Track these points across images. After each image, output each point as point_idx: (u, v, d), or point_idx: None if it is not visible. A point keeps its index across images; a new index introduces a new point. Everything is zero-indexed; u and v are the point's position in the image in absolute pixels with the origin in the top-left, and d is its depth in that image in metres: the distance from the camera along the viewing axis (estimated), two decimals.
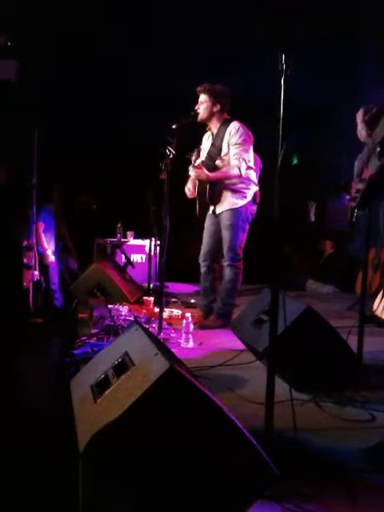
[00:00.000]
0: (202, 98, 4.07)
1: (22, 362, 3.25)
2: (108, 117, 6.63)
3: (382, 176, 2.58)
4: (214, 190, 4.05)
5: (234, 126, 4.01)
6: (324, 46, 5.50)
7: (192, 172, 4.04)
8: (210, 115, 4.09)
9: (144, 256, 6.40)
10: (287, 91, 1.91)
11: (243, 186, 4.04)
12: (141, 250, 6.48)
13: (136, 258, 6.43)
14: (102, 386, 1.71)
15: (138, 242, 6.54)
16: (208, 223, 4.23)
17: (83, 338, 3.45)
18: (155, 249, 5.60)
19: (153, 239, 5.61)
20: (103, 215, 6.55)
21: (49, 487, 1.79)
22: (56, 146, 6.11)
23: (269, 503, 1.60)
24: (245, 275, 4.19)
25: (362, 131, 4.15)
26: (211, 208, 4.16)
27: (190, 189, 4.24)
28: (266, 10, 5.05)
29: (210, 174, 3.99)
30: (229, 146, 4.01)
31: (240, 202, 4.03)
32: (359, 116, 4.24)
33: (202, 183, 4.07)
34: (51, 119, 5.99)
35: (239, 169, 3.94)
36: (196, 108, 4.09)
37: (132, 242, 6.60)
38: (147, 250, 5.97)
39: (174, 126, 4.30)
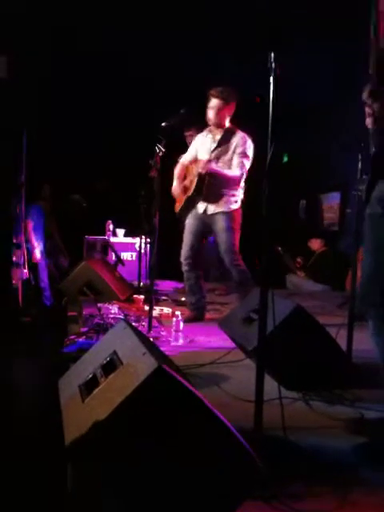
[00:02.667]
0: (217, 102, 4.06)
1: (11, 361, 3.23)
2: (100, 115, 6.60)
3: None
4: (210, 189, 4.08)
5: (241, 136, 4.08)
6: (317, 45, 5.51)
7: (200, 166, 4.03)
8: (222, 122, 4.12)
9: (134, 254, 6.37)
10: (276, 90, 1.90)
11: (237, 191, 4.13)
12: (131, 248, 6.46)
13: (126, 255, 6.41)
14: (90, 385, 1.70)
15: (129, 239, 6.52)
16: (193, 221, 4.24)
17: (72, 337, 3.43)
18: (145, 247, 5.58)
19: (143, 237, 5.60)
20: (94, 213, 6.52)
21: (37, 487, 1.77)
22: (47, 143, 6.08)
23: (258, 503, 1.59)
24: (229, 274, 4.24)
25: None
26: (201, 207, 4.17)
27: (175, 188, 4.27)
28: (258, 8, 5.04)
29: (219, 170, 4.02)
30: (234, 154, 4.07)
31: (234, 206, 4.11)
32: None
33: (201, 181, 4.08)
34: (41, 117, 5.96)
35: (240, 176, 4.06)
36: (209, 114, 4.09)
37: (122, 239, 6.57)
38: (137, 248, 5.96)
39: (164, 124, 4.30)
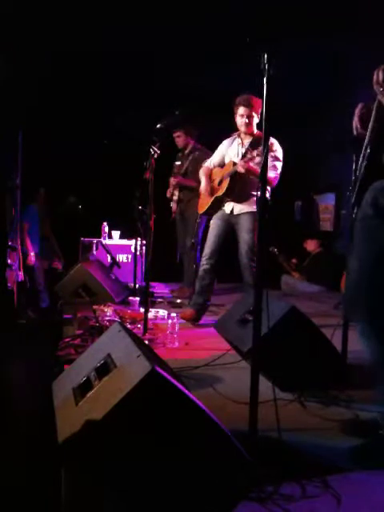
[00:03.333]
0: (245, 110, 4.11)
1: (5, 364, 3.21)
2: (94, 117, 6.59)
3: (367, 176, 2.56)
4: (241, 190, 4.12)
5: (275, 143, 4.11)
6: (312, 44, 5.51)
7: (239, 165, 4.02)
8: (251, 129, 4.18)
9: (130, 256, 6.37)
10: (270, 90, 1.91)
11: (256, 192, 4.11)
12: (126, 250, 6.46)
13: (122, 257, 6.40)
14: (83, 388, 1.70)
15: (124, 241, 6.52)
16: (219, 223, 4.25)
17: (67, 339, 3.42)
18: (141, 249, 5.58)
19: (138, 239, 5.59)
20: (89, 215, 6.51)
21: (30, 490, 1.77)
22: (42, 146, 6.07)
23: (253, 504, 1.59)
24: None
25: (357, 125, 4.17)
26: (228, 207, 4.20)
27: (203, 187, 4.34)
28: (250, 8, 5.05)
29: (253, 167, 4.00)
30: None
31: (255, 207, 4.11)
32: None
33: (234, 181, 4.10)
34: (37, 119, 5.95)
35: (274, 178, 4.05)
36: (239, 124, 4.14)
37: (118, 241, 6.57)
38: (133, 250, 5.95)
39: (158, 126, 4.30)
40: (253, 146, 4.15)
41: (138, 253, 5.55)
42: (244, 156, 4.12)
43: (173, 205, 5.75)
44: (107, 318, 3.74)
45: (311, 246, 7.08)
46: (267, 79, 1.92)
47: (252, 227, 4.07)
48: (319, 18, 5.11)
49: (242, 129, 4.19)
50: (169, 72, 5.68)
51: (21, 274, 5.45)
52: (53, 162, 6.41)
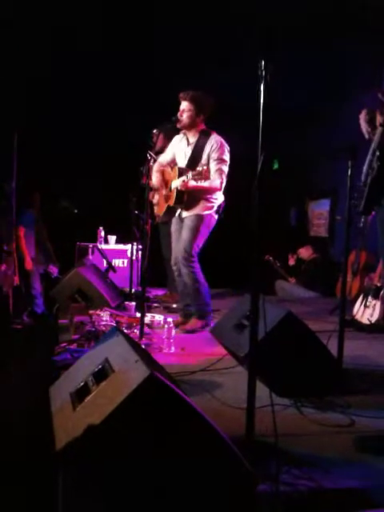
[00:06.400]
0: (186, 105, 4.10)
1: (0, 369, 3.20)
2: (90, 120, 6.59)
3: (379, 180, 2.55)
4: (191, 197, 4.13)
5: (216, 140, 4.10)
6: (308, 50, 5.55)
7: (179, 184, 4.05)
8: (193, 124, 4.15)
9: (126, 260, 6.36)
10: (267, 97, 1.91)
11: (215, 196, 4.15)
12: (123, 255, 6.45)
13: (118, 262, 6.40)
14: (81, 393, 1.70)
15: (120, 246, 6.51)
16: (174, 228, 4.31)
17: (63, 345, 3.41)
18: (137, 253, 5.58)
19: (135, 244, 5.59)
20: (85, 219, 6.51)
21: (27, 496, 1.76)
22: (37, 150, 6.07)
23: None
24: (210, 280, 4.25)
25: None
26: (178, 212, 4.25)
27: (155, 183, 4.40)
28: (249, 14, 5.08)
29: (197, 185, 4.01)
30: (209, 158, 4.09)
31: (208, 211, 4.14)
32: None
33: (181, 194, 4.12)
34: (32, 123, 5.95)
35: (221, 183, 4.08)
36: (179, 115, 4.10)
37: (114, 246, 6.56)
38: (129, 255, 5.94)
39: (155, 131, 4.31)
40: (199, 143, 4.12)
41: (134, 257, 5.54)
42: (180, 174, 4.12)
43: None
44: (103, 323, 3.73)
45: (306, 253, 7.11)
46: (264, 85, 1.92)
47: (193, 226, 4.08)
48: (315, 23, 5.15)
49: (180, 124, 4.15)
50: (165, 77, 5.69)
51: (16, 278, 5.43)
52: (48, 166, 6.41)
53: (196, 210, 4.13)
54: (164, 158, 4.49)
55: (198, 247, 4.13)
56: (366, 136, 2.31)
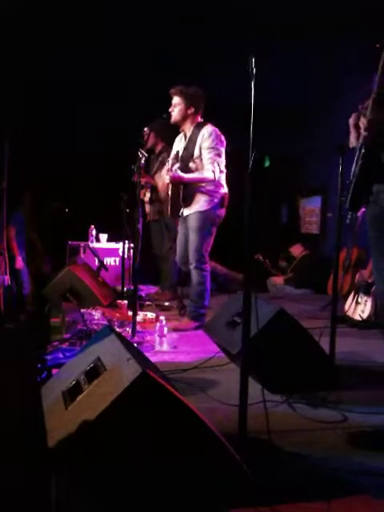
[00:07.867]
0: (176, 100, 4.09)
1: None
2: (81, 119, 6.57)
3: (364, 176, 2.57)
4: (187, 192, 4.06)
5: (207, 129, 4.04)
6: (299, 48, 5.55)
7: (167, 176, 4.03)
8: (184, 118, 4.12)
9: (117, 259, 6.35)
10: (257, 94, 1.92)
11: (213, 189, 4.05)
12: (114, 253, 6.44)
13: (109, 260, 6.38)
14: (73, 392, 1.69)
15: (112, 245, 6.50)
16: (180, 228, 4.27)
17: (55, 343, 3.40)
18: (129, 252, 5.56)
19: (126, 242, 5.57)
20: (76, 218, 6.48)
21: (20, 495, 1.75)
22: (28, 149, 6.03)
23: (241, 507, 1.59)
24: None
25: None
26: (181, 211, 4.19)
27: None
28: (240, 13, 5.08)
29: (185, 176, 3.98)
30: (201, 149, 4.02)
31: (208, 205, 4.04)
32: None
33: (175, 186, 4.07)
34: (22, 122, 5.91)
35: (213, 173, 3.98)
36: (170, 110, 4.10)
37: (105, 245, 6.55)
38: (120, 253, 5.93)
39: (145, 129, 4.30)
40: (192, 136, 4.09)
41: (125, 256, 5.53)
42: (185, 149, 4.08)
43: (146, 206, 5.66)
44: (95, 322, 3.72)
45: (297, 250, 7.12)
46: (255, 83, 1.93)
47: (198, 226, 4.03)
48: (309, 23, 5.15)
49: (172, 120, 4.14)
50: (158, 74, 5.68)
51: (7, 278, 5.40)
52: (39, 165, 6.37)
53: (196, 207, 4.05)
54: (171, 156, 4.40)
55: (208, 246, 4.07)
56: (351, 145, 2.31)
